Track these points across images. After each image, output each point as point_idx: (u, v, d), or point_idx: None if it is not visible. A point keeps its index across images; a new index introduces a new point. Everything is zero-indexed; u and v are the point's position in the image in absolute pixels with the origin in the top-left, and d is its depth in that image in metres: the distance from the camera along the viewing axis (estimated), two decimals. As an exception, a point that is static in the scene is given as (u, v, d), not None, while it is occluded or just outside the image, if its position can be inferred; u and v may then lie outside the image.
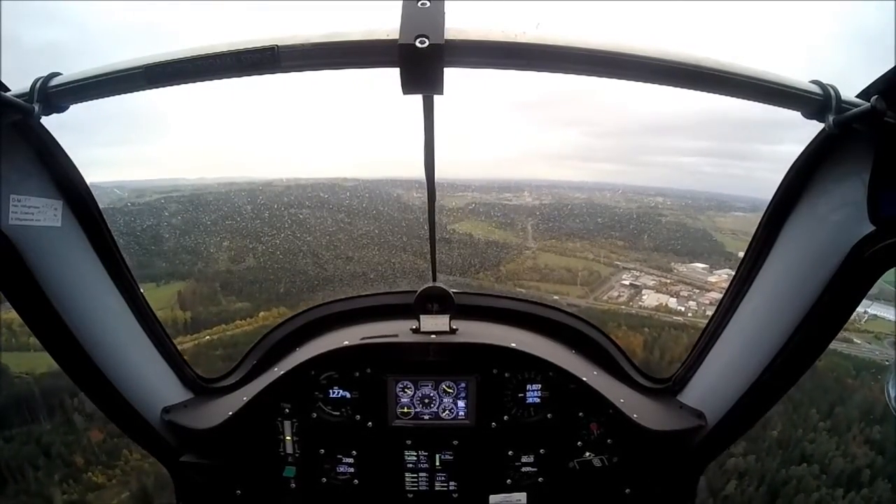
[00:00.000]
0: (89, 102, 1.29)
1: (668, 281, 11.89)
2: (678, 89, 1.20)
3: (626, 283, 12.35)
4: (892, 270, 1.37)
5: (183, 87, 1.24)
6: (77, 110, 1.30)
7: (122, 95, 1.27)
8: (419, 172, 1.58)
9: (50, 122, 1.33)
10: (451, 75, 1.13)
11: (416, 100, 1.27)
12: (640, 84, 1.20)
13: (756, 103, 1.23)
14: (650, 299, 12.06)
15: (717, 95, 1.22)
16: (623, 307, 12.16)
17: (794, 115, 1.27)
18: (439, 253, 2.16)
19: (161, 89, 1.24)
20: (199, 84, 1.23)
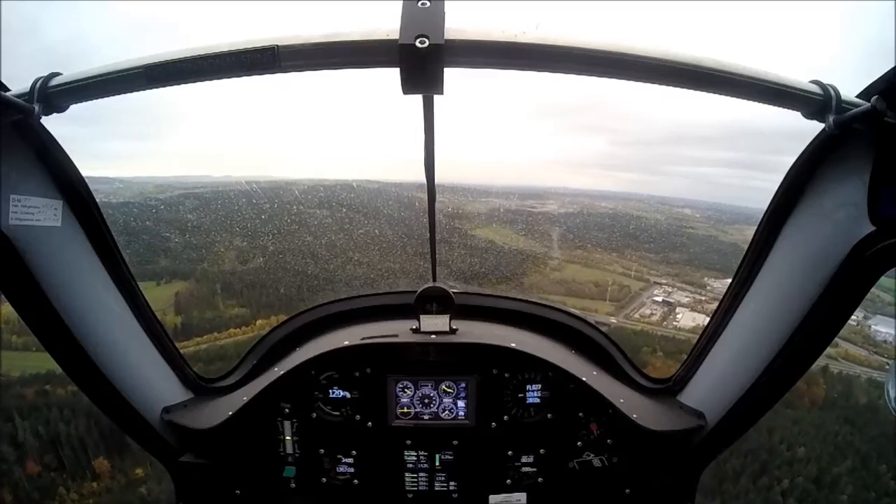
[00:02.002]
0: (121, 96, 1.28)
1: (703, 298, 10.98)
2: (702, 93, 1.19)
3: (659, 299, 11.39)
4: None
5: (213, 86, 1.24)
6: (109, 102, 1.30)
7: (154, 92, 1.27)
8: (439, 176, 1.58)
9: (75, 111, 1.32)
10: (472, 78, 1.13)
11: (436, 100, 1.26)
12: (663, 92, 1.20)
13: (781, 110, 1.22)
14: (685, 319, 11.10)
15: (741, 103, 1.21)
16: (657, 328, 11.20)
17: (819, 127, 1.26)
18: (449, 257, 2.17)
19: (191, 87, 1.24)
20: (229, 84, 1.23)
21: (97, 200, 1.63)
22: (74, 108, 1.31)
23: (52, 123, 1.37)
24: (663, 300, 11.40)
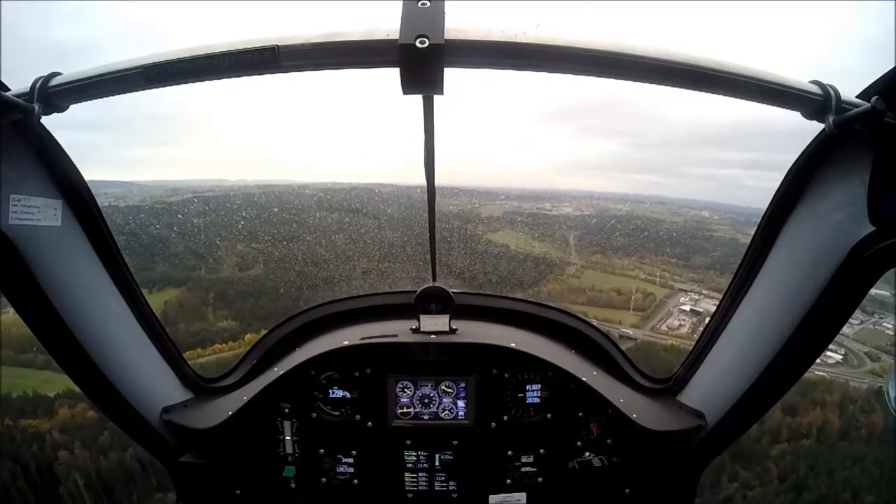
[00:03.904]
0: (140, 103, 1.29)
1: (732, 307, 10.33)
2: (715, 95, 1.19)
3: (686, 308, 10.59)
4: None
5: (234, 91, 1.24)
6: (131, 109, 1.30)
7: (179, 99, 1.27)
8: (444, 178, 1.58)
9: (97, 119, 1.32)
10: (483, 79, 1.13)
11: (439, 101, 1.26)
12: (676, 92, 1.19)
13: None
14: (716, 331, 10.38)
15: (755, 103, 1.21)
16: (688, 342, 10.09)
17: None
18: (460, 263, 2.16)
19: (214, 92, 1.24)
20: (249, 87, 1.23)
21: (106, 204, 1.63)
22: (96, 116, 1.31)
23: (72, 129, 1.38)
24: (691, 309, 10.61)
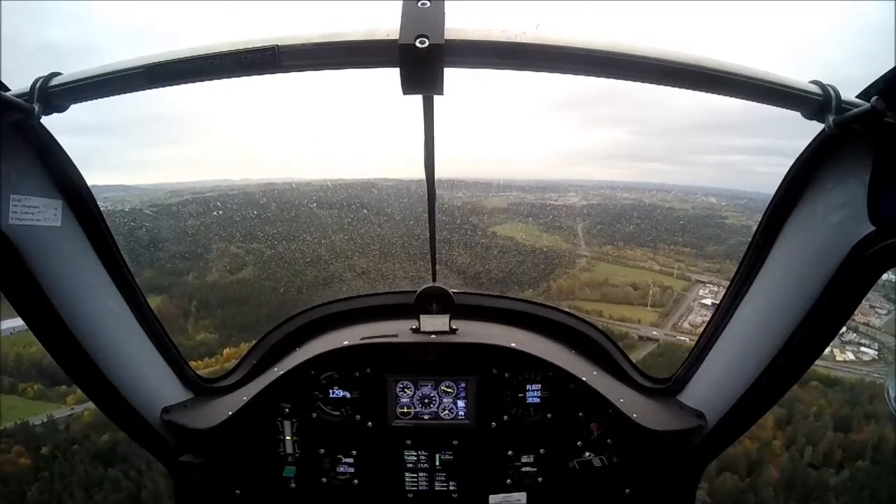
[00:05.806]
0: (140, 106, 1.28)
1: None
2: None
3: (707, 302, 10.15)
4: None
5: (237, 91, 1.23)
6: (136, 111, 1.29)
7: (183, 100, 1.26)
8: (448, 172, 1.58)
9: (103, 121, 1.32)
10: (485, 77, 1.12)
11: (440, 100, 1.26)
12: None
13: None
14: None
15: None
16: None
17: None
18: (462, 260, 2.17)
19: (216, 94, 1.23)
20: (252, 88, 1.23)
21: (103, 209, 1.63)
22: (102, 118, 1.31)
23: (78, 134, 1.37)
24: (712, 303, 10.05)
